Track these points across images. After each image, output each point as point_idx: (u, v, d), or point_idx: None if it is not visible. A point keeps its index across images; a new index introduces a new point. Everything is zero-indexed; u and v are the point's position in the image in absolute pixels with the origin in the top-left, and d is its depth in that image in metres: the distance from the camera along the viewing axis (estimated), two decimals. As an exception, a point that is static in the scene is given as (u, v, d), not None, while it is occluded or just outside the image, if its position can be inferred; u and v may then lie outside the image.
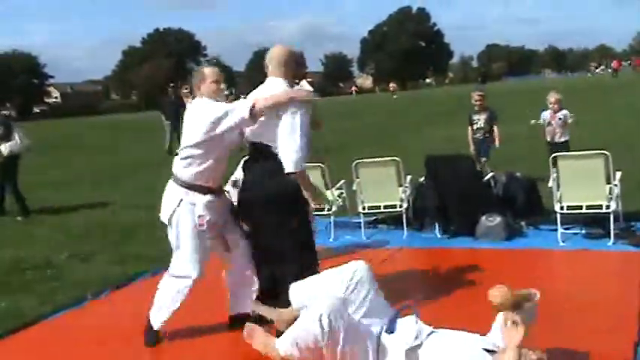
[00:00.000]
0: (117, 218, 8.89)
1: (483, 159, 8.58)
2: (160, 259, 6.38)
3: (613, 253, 5.59)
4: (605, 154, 5.83)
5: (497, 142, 8.67)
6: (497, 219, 6.32)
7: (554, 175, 6.06)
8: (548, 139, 8.34)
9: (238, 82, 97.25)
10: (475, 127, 8.77)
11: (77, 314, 5.10)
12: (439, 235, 6.61)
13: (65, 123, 50.94)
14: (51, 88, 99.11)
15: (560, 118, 8.22)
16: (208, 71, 4.22)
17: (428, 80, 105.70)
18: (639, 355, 3.54)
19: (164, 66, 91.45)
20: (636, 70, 55.02)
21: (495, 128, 8.72)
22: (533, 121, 8.54)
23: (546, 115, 8.35)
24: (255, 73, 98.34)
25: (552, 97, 8.37)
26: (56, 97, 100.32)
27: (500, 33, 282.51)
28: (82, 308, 5.22)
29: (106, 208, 9.84)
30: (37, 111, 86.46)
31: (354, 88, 78.16)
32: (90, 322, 4.89)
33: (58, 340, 4.57)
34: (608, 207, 5.75)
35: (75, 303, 5.29)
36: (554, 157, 6.13)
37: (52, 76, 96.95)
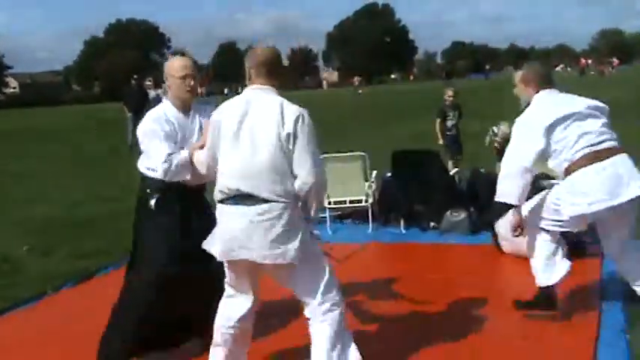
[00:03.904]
0: (78, 211, 8.72)
1: (458, 157, 8.77)
2: (121, 253, 6.28)
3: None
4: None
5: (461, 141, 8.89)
6: (462, 214, 6.38)
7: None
8: None
9: (203, 75, 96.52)
10: (449, 123, 8.95)
11: (35, 309, 4.98)
12: (404, 230, 6.64)
13: (24, 113, 49.83)
14: (9, 79, 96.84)
15: None
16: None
17: (393, 76, 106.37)
18: (599, 351, 3.60)
19: (127, 57, 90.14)
20: (602, 75, 51.60)
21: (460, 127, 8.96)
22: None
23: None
24: (221, 66, 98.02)
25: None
26: (15, 88, 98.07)
27: (464, 31, 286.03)
28: (40, 303, 5.10)
29: (67, 200, 9.64)
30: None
31: (325, 82, 78.26)
32: (48, 317, 4.78)
33: (14, 336, 4.45)
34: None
35: (34, 298, 5.17)
36: None
37: (10, 67, 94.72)
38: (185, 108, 3.72)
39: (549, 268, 4.02)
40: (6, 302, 5.07)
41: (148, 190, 3.65)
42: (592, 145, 3.78)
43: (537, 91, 4.01)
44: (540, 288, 4.07)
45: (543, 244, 4.02)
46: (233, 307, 3.29)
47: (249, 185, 2.99)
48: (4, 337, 4.47)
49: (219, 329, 3.33)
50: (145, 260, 3.66)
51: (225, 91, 62.82)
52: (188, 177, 3.56)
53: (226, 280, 3.31)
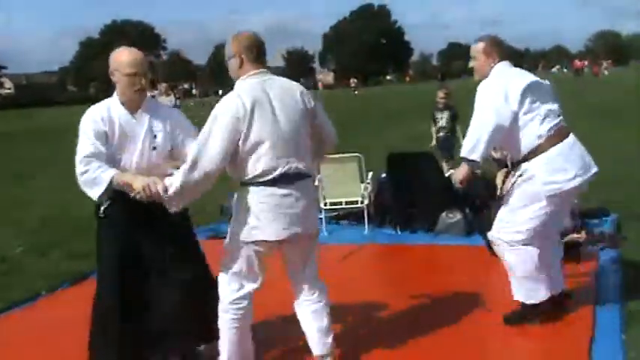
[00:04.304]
0: (75, 212, 8.69)
1: (445, 158, 8.64)
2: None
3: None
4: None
5: (461, 141, 8.65)
6: (458, 216, 6.40)
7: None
8: None
9: (199, 76, 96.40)
10: (438, 125, 8.82)
11: (30, 310, 4.98)
12: (399, 232, 6.64)
13: (21, 114, 49.69)
14: (4, 79, 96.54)
15: None
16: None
17: (389, 77, 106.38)
18: (594, 352, 3.61)
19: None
20: (596, 76, 51.87)
21: (458, 128, 8.77)
22: None
23: None
24: (217, 67, 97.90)
25: None
26: (9, 88, 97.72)
27: (460, 32, 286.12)
28: (34, 304, 5.09)
29: (64, 201, 9.61)
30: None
31: (320, 84, 78.32)
32: (44, 318, 4.78)
33: (9, 336, 4.45)
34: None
35: (28, 299, 5.17)
36: None
37: (4, 67, 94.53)
38: (133, 107, 3.35)
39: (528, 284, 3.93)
40: (2, 303, 5.07)
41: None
42: (557, 124, 3.79)
43: (497, 62, 3.90)
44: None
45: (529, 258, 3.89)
46: (245, 299, 3.27)
47: (298, 163, 3.16)
48: (-1, 337, 4.47)
49: (229, 325, 3.27)
50: (100, 263, 3.47)
51: (220, 92, 62.97)
52: (93, 194, 3.31)
53: (233, 274, 3.22)
